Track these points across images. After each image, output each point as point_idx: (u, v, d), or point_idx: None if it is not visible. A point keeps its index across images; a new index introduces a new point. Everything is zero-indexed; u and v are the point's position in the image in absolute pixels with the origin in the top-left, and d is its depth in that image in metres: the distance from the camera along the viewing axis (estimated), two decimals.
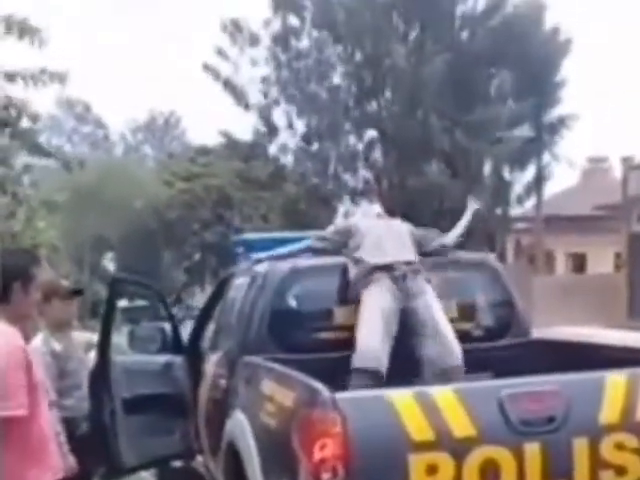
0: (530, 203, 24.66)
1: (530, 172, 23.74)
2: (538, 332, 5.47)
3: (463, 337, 4.69)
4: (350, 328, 4.55)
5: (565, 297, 20.25)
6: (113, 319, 5.55)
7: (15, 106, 8.62)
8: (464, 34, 23.37)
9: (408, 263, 4.64)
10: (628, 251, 21.97)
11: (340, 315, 4.70)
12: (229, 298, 5.47)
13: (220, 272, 20.53)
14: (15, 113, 8.67)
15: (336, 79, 24.38)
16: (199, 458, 5.76)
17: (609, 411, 3.52)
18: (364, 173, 24.55)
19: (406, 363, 4.39)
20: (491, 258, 5.31)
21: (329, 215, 22.96)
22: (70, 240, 25.78)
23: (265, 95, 24.49)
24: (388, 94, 23.74)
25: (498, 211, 23.90)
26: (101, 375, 5.22)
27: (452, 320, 4.74)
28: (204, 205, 34.52)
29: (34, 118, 8.84)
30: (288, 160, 25.73)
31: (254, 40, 24.44)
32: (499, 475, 3.37)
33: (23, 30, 8.08)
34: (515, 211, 25.02)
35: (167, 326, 5.94)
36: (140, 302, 19.22)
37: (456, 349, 4.49)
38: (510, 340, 4.99)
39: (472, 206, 5.46)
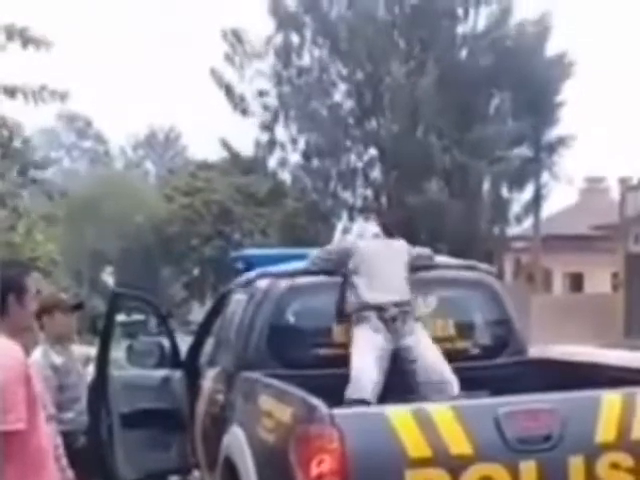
0: (528, 222, 24.72)
1: (528, 192, 23.82)
2: (535, 350, 5.49)
3: (460, 355, 4.72)
4: (348, 345, 4.58)
5: (563, 316, 20.29)
6: (112, 334, 5.57)
7: (7, 127, 8.66)
8: (464, 53, 23.50)
9: (399, 304, 4.66)
10: (625, 271, 22.04)
11: (338, 332, 4.72)
12: (228, 313, 5.48)
13: (219, 287, 20.53)
14: (7, 133, 8.71)
15: (337, 97, 24.49)
16: (196, 473, 5.76)
17: (605, 430, 3.54)
18: (363, 191, 24.61)
19: (399, 397, 4.40)
20: (489, 277, 5.32)
21: (328, 231, 23.08)
22: (69, 254, 25.79)
23: (265, 108, 24.58)
24: (388, 112, 23.84)
25: (496, 230, 23.95)
26: (99, 389, 5.23)
27: (450, 338, 4.77)
28: (204, 220, 34.56)
29: (25, 142, 8.90)
30: (287, 176, 25.80)
31: (256, 54, 24.56)
32: None
33: (26, 38, 8.07)
34: (513, 230, 25.07)
35: (165, 341, 5.95)
36: (138, 316, 19.21)
37: (450, 383, 4.51)
38: (507, 358, 5.01)
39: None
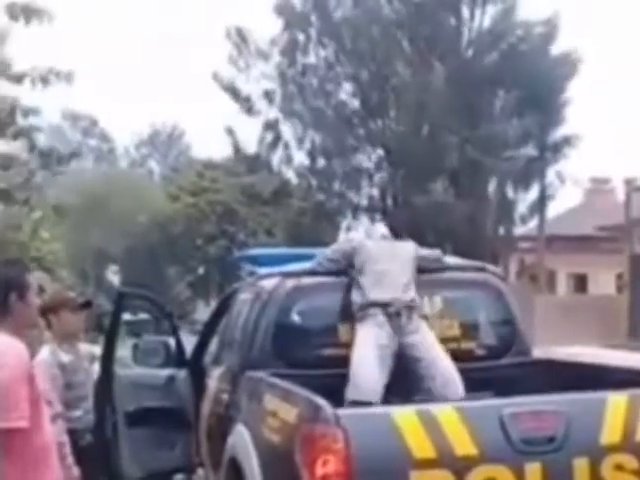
0: (533, 223, 24.69)
1: (534, 192, 23.79)
2: (539, 351, 5.49)
3: (465, 356, 4.72)
4: (353, 345, 4.59)
5: (567, 317, 20.24)
6: (117, 332, 5.58)
7: (20, 107, 8.63)
8: (470, 52, 23.47)
9: (404, 301, 4.66)
10: (630, 272, 21.98)
11: (343, 332, 4.72)
12: (233, 313, 5.49)
13: (224, 286, 20.54)
14: (21, 113, 8.68)
15: (342, 96, 24.48)
16: (200, 472, 5.77)
17: (610, 432, 3.54)
18: (369, 190, 24.61)
19: (404, 397, 4.41)
20: (495, 278, 5.31)
21: (333, 231, 23.07)
22: (74, 252, 25.84)
23: (271, 108, 24.59)
24: (393, 112, 23.83)
25: (502, 230, 23.93)
26: (104, 388, 5.25)
27: (455, 339, 4.77)
28: (208, 220, 34.59)
29: (35, 112, 8.83)
30: (292, 175, 25.81)
31: (261, 54, 24.58)
32: None
33: (28, 13, 7.98)
34: (518, 230, 25.04)
35: (171, 340, 5.96)
36: (143, 315, 19.25)
37: (455, 382, 4.51)
38: (511, 359, 5.01)
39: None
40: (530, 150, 23.16)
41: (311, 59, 24.45)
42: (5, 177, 9.40)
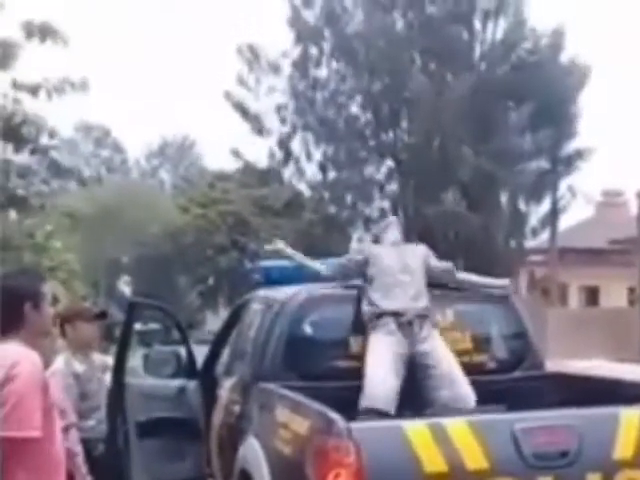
0: (545, 235, 24.63)
1: (545, 205, 23.75)
2: (552, 365, 5.46)
3: (477, 369, 4.71)
4: (365, 357, 4.59)
5: (578, 330, 20.16)
6: (129, 343, 5.59)
7: (33, 123, 8.69)
8: (482, 66, 23.49)
9: (416, 309, 4.66)
10: None
11: (356, 344, 4.72)
12: (245, 324, 5.50)
13: (234, 297, 20.55)
14: (35, 130, 8.74)
15: (354, 109, 24.52)
16: None
17: (622, 447, 3.52)
18: (380, 202, 24.61)
19: (416, 406, 4.40)
20: (506, 291, 5.30)
21: (345, 243, 23.01)
22: (87, 263, 25.92)
23: (282, 122, 24.65)
24: (405, 124, 23.85)
25: (513, 243, 23.87)
26: (116, 398, 5.25)
27: (466, 352, 4.76)
28: (219, 230, 34.65)
29: (52, 134, 8.90)
30: (304, 187, 25.84)
31: (273, 68, 24.66)
32: None
33: (44, 32, 8.06)
34: (530, 243, 24.97)
35: (182, 350, 5.97)
36: (153, 325, 19.29)
37: (466, 392, 4.50)
38: (524, 373, 5.00)
39: (502, 282, 5.37)
40: (542, 163, 23.12)
41: (323, 72, 24.52)
42: (21, 184, 9.49)
